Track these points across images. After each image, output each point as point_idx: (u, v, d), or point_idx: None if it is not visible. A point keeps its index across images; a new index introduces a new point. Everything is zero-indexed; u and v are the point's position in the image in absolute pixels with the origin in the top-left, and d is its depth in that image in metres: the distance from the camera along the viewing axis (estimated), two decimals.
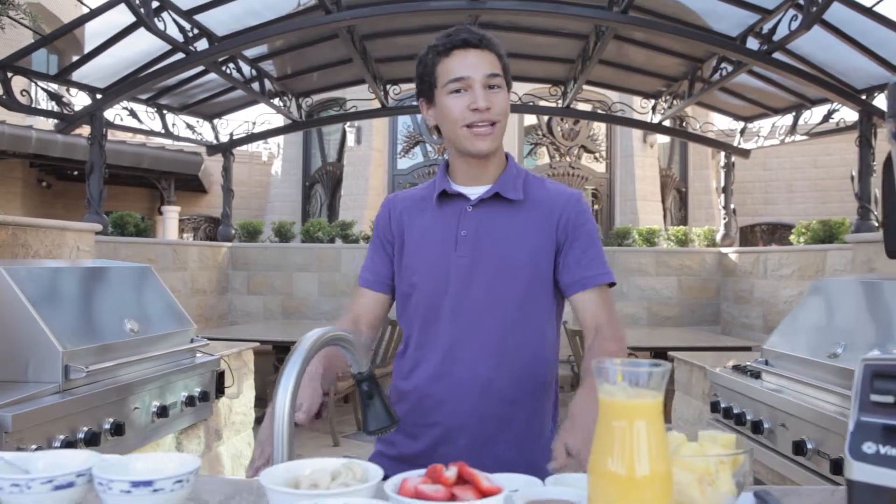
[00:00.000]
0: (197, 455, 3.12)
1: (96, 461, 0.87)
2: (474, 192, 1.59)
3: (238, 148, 8.09)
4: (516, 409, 1.57)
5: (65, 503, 0.80)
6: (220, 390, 3.19)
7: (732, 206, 7.81)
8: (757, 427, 2.61)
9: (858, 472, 0.68)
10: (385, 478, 1.46)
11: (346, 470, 0.79)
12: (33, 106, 5.40)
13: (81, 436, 2.24)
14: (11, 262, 2.50)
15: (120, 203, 14.63)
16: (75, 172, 13.31)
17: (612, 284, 1.60)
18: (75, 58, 5.69)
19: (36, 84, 5.57)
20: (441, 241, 1.57)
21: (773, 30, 5.34)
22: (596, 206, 13.60)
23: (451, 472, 0.74)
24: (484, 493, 0.72)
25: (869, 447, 0.67)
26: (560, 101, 7.65)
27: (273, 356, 5.94)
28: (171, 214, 14.11)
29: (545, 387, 1.62)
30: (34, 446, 2.06)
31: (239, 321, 7.53)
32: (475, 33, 1.54)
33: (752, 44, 5.62)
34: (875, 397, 0.68)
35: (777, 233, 15.88)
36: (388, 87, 7.52)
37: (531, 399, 1.59)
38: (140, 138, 9.92)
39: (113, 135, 11.35)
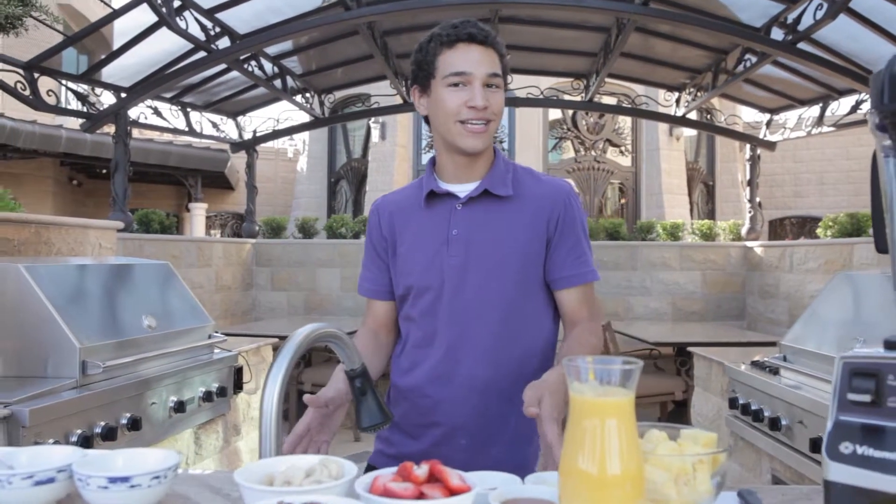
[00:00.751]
0: (217, 450, 3.16)
1: (79, 456, 0.89)
2: (463, 189, 1.58)
3: (263, 145, 8.15)
4: (515, 407, 1.56)
5: (46, 498, 0.81)
6: (238, 386, 3.22)
7: (758, 199, 7.70)
8: (775, 424, 2.58)
9: (835, 472, 0.67)
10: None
11: (322, 467, 0.80)
12: (60, 105, 5.48)
13: (98, 430, 2.27)
14: (32, 261, 2.54)
15: (148, 201, 14.83)
16: (104, 170, 13.51)
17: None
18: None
19: (62, 84, 5.66)
20: (433, 242, 1.56)
21: (799, 19, 5.26)
22: (622, 201, 13.51)
23: (421, 470, 0.74)
24: (453, 492, 0.72)
25: (846, 447, 0.66)
26: (583, 95, 7.60)
27: None
28: (199, 211, 14.26)
29: None
30: (52, 440, 2.10)
31: (263, 317, 7.60)
32: (482, 29, 1.52)
33: (777, 34, 5.53)
34: (852, 396, 0.66)
35: (807, 226, 15.64)
36: (409, 83, 7.52)
37: None
38: (167, 136, 10.04)
39: (140, 133, 11.54)
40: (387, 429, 1.65)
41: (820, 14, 4.97)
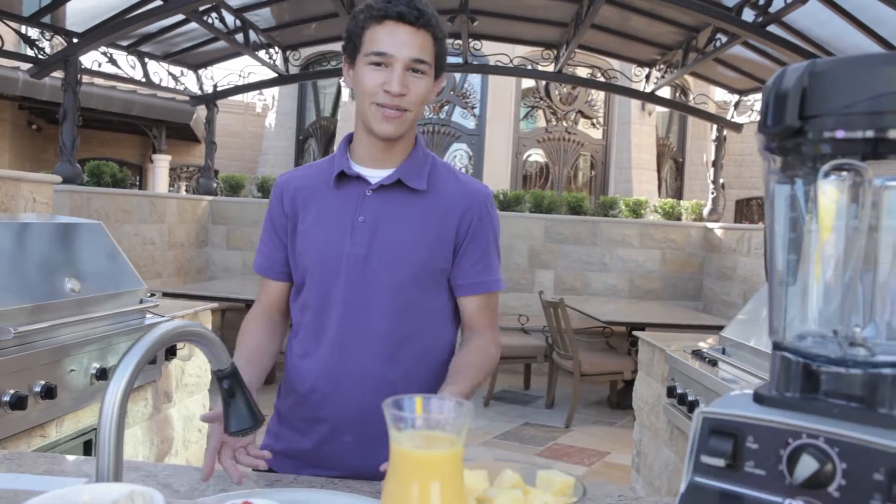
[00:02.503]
0: (145, 417, 3.08)
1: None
2: (375, 175, 1.49)
3: (232, 98, 7.93)
4: None
5: None
6: (170, 352, 3.12)
7: (722, 180, 7.70)
8: None
9: None
10: (270, 470, 1.41)
11: (128, 500, 0.72)
12: (4, 49, 5.25)
13: (7, 399, 2.17)
14: None
15: (112, 149, 14.48)
16: None
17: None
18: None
19: (9, 26, 5.41)
20: (336, 227, 1.47)
21: (770, 2, 5.19)
22: (592, 173, 13.47)
23: None
24: None
25: None
26: (553, 66, 7.49)
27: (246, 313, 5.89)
28: (162, 163, 13.97)
29: (438, 383, 1.53)
30: None
31: (218, 276, 7.47)
32: (415, 8, 1.40)
33: (748, 15, 5.46)
34: (707, 459, 0.59)
35: None
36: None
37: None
38: (130, 84, 9.75)
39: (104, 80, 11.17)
40: (277, 422, 1.58)
41: None
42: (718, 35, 6.05)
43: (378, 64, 1.40)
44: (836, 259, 0.60)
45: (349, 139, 1.56)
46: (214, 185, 7.78)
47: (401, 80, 1.38)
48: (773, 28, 5.35)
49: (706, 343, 3.27)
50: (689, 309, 7.01)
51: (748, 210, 15.96)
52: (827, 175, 0.58)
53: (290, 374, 1.56)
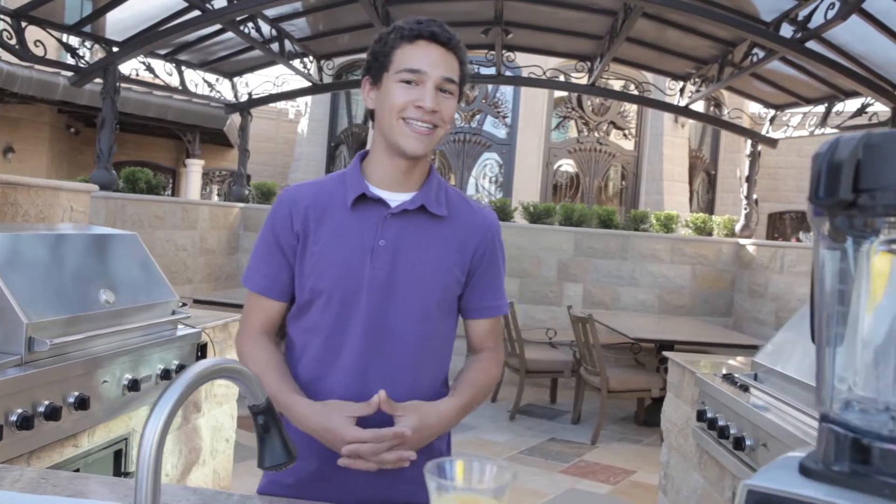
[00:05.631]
0: (174, 427, 3.11)
1: None
2: (394, 198, 1.49)
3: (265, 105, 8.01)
4: None
5: None
6: None
7: (755, 196, 7.60)
8: (739, 443, 2.52)
9: None
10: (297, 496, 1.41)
11: None
12: (46, 57, 5.35)
13: (41, 410, 2.20)
14: None
15: (147, 153, 14.71)
16: None
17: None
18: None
19: (51, 35, 5.52)
20: (356, 249, 1.46)
21: (809, 17, 5.12)
22: (623, 184, 13.39)
23: None
24: None
25: None
26: (587, 78, 7.46)
27: None
28: (195, 168, 14.14)
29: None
30: None
31: None
32: (446, 31, 1.44)
33: (786, 30, 5.39)
34: None
35: (806, 222, 15.53)
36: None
37: None
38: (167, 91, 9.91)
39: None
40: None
41: (831, 13, 4.83)
42: (755, 50, 5.98)
43: (409, 82, 1.41)
44: (885, 330, 0.59)
45: (361, 158, 1.57)
46: (246, 192, 7.85)
47: (433, 97, 1.41)
48: (811, 44, 5.27)
49: (737, 361, 3.23)
50: (720, 326, 6.92)
51: (781, 224, 15.74)
52: (879, 247, 0.56)
53: None
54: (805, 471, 0.61)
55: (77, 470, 2.50)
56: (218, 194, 16.24)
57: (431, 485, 0.62)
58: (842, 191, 0.56)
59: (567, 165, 13.23)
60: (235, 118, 13.47)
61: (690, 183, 13.39)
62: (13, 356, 2.19)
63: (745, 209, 7.57)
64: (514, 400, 6.08)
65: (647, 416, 5.95)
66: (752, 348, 5.41)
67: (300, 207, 1.51)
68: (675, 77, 7.59)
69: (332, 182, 1.56)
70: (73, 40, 5.72)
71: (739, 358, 3.31)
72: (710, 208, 13.83)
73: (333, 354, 1.49)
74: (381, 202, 1.48)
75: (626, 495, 4.44)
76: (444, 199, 1.53)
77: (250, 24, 6.13)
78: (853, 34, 5.28)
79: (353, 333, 1.46)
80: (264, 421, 1.01)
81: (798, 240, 15.33)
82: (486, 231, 1.56)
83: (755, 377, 2.71)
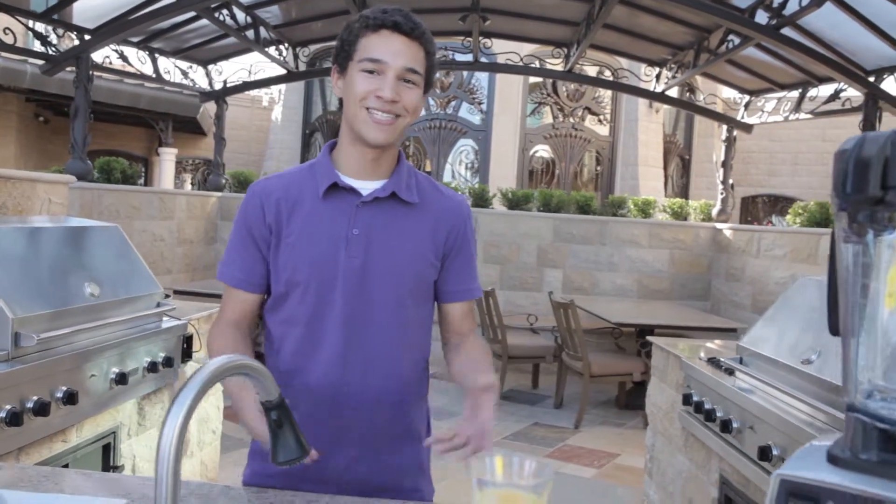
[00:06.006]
0: (160, 419, 3.09)
1: None
2: (365, 186, 1.50)
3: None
4: (402, 414, 1.56)
5: None
6: (187, 354, 3.13)
7: (731, 181, 7.69)
8: (726, 426, 2.56)
9: None
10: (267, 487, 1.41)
11: None
12: (17, 45, 5.24)
13: (30, 405, 2.18)
14: None
15: (118, 141, 14.49)
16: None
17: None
18: None
19: (20, 22, 5.41)
20: (329, 239, 1.47)
21: (784, 4, 5.17)
22: (598, 169, 13.45)
23: None
24: None
25: None
26: (563, 64, 7.47)
27: None
28: (168, 156, 13.96)
29: (424, 388, 1.63)
30: None
31: None
32: (410, 20, 1.43)
33: (762, 17, 5.44)
34: None
35: (779, 205, 15.74)
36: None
37: (416, 403, 1.60)
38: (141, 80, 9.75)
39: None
40: (261, 446, 1.45)
41: (806, 0, 4.89)
42: (731, 36, 6.03)
43: (371, 71, 1.42)
44: None
45: (330, 148, 1.57)
46: (223, 181, 7.78)
47: (393, 87, 1.41)
48: (786, 30, 5.33)
49: (715, 344, 3.29)
50: (698, 310, 7.01)
51: (753, 207, 15.93)
52: None
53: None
54: (833, 459, 0.62)
55: (66, 465, 2.48)
56: (192, 183, 16.06)
57: (472, 480, 0.63)
58: (871, 187, 0.58)
59: (543, 151, 13.27)
60: (209, 106, 13.32)
61: (665, 168, 13.49)
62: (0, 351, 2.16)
63: (722, 194, 7.66)
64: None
65: (629, 399, 6.02)
66: (731, 331, 5.49)
67: (272, 200, 1.52)
68: (651, 63, 7.63)
69: (302, 173, 1.56)
70: (40, 27, 5.60)
71: (718, 341, 3.37)
72: (684, 193, 13.96)
73: (312, 345, 1.50)
74: (352, 191, 1.49)
75: (610, 478, 4.50)
76: (414, 186, 1.54)
77: (224, 11, 6.05)
78: (826, 20, 5.35)
79: (331, 323, 1.48)
80: (277, 416, 1.01)
81: (770, 223, 15.55)
82: (458, 215, 1.58)
83: (740, 361, 2.75)
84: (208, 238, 7.31)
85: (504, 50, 7.36)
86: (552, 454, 4.88)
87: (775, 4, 5.23)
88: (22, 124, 13.32)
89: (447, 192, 1.61)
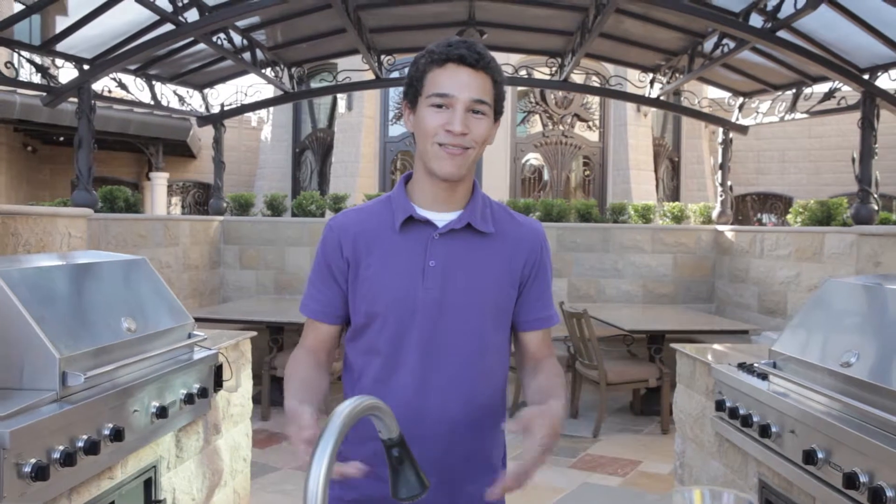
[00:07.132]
0: (197, 451, 3.08)
1: None
2: (440, 218, 1.52)
3: None
4: (481, 443, 1.57)
5: None
6: (218, 384, 3.13)
7: (729, 182, 7.76)
8: (765, 431, 2.58)
9: None
10: None
11: None
12: (18, 79, 5.23)
13: (81, 445, 2.17)
14: (5, 262, 2.41)
15: (108, 167, 14.42)
16: (61, 138, 13.07)
17: None
18: (61, 26, 5.50)
19: (20, 55, 5.40)
20: (407, 271, 1.50)
21: (779, 7, 5.23)
22: (586, 174, 13.53)
23: None
24: None
25: None
26: (557, 73, 7.52)
27: (267, 334, 5.88)
28: (160, 181, 13.92)
29: (501, 418, 1.62)
30: (32, 460, 2.00)
31: (231, 296, 7.46)
32: (475, 52, 1.45)
33: (756, 20, 5.51)
34: None
35: (768, 203, 15.89)
36: (382, 57, 7.37)
37: (492, 432, 1.60)
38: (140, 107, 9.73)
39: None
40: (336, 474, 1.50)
41: (801, 2, 4.95)
42: (725, 41, 6.09)
43: (439, 106, 1.44)
44: None
45: (406, 180, 1.60)
46: (224, 204, 7.77)
47: (462, 120, 1.42)
48: (780, 33, 5.39)
49: (730, 348, 3.32)
50: (703, 312, 7.06)
51: (743, 206, 16.07)
52: None
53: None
54: None
55: (113, 503, 2.48)
56: (182, 206, 16.00)
57: None
58: None
59: (534, 159, 13.34)
60: (197, 129, 13.29)
61: (655, 171, 13.60)
62: (48, 392, 2.16)
63: (721, 196, 7.73)
64: (512, 398, 6.13)
65: (644, 405, 6.04)
66: (743, 333, 5.54)
67: (349, 235, 1.55)
68: (645, 69, 7.69)
69: (379, 206, 1.59)
70: (24, 58, 5.54)
71: (742, 346, 3.40)
72: (675, 195, 14.07)
73: (391, 373, 1.52)
74: (428, 223, 1.52)
75: (637, 486, 4.51)
76: (489, 216, 1.56)
77: (221, 35, 6.06)
78: (820, 21, 5.41)
79: (410, 352, 1.50)
80: (399, 453, 1.03)
81: (760, 221, 15.68)
82: (534, 242, 1.59)
83: (774, 365, 2.77)
84: (213, 262, 7.30)
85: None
86: (575, 464, 4.89)
87: (769, 8, 5.29)
88: (11, 154, 13.26)
89: (522, 220, 1.62)
